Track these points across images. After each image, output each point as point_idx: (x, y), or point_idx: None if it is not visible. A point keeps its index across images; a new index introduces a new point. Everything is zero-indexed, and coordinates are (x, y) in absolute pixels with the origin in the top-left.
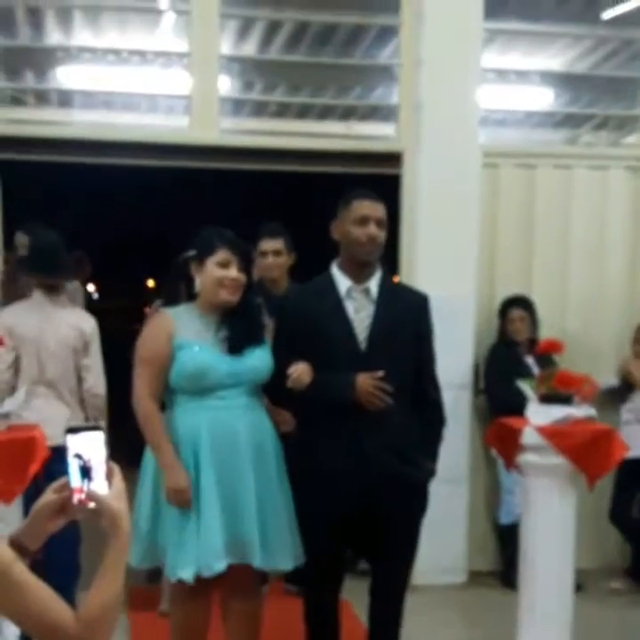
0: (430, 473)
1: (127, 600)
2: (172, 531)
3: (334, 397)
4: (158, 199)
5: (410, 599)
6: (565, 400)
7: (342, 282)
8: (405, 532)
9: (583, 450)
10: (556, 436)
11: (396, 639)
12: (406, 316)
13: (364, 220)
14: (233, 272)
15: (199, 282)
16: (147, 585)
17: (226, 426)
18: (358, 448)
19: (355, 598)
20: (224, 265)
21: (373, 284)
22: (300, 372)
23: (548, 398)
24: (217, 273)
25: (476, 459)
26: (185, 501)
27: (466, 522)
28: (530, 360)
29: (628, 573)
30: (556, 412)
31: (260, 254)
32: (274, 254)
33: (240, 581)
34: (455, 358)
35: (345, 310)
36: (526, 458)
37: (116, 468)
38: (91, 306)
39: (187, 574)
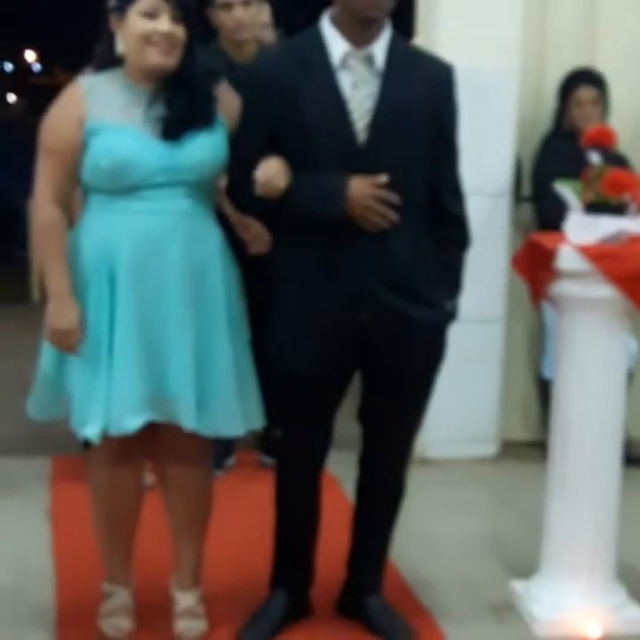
0: (449, 314)
1: (51, 471)
2: (80, 377)
3: (318, 210)
4: None
5: (422, 475)
6: (618, 210)
7: (336, 45)
8: (411, 391)
9: (639, 277)
10: (603, 258)
11: (390, 523)
12: (423, 96)
13: None
14: (163, 24)
15: (121, 40)
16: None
17: (153, 239)
18: (350, 282)
19: (343, 471)
20: (151, 14)
21: (379, 48)
22: (271, 173)
23: (594, 207)
24: (142, 26)
25: (516, 292)
26: (69, 346)
27: (500, 375)
28: (595, 158)
29: None
30: (605, 226)
31: (221, 7)
32: (243, 5)
33: (176, 444)
34: (491, 155)
35: (338, 85)
36: (563, 288)
37: None
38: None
39: (91, 431)
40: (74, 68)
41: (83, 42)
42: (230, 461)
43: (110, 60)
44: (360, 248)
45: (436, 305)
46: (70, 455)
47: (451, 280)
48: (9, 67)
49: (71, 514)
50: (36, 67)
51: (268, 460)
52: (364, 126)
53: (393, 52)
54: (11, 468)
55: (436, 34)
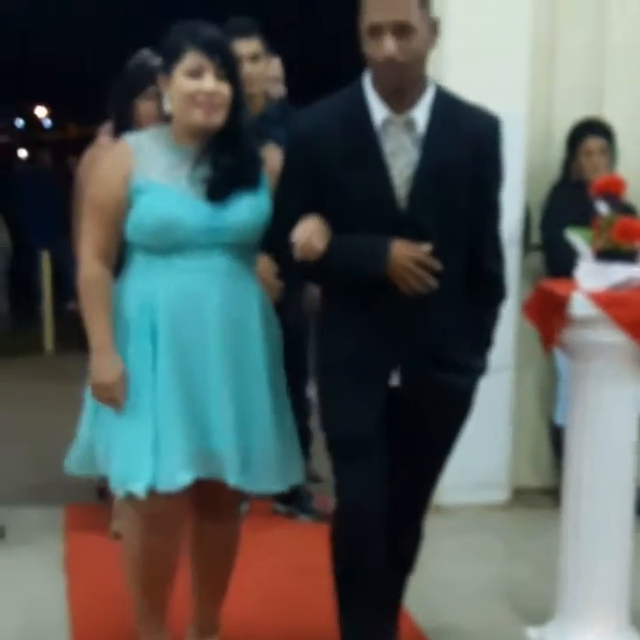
0: (479, 373)
1: (64, 520)
2: (123, 433)
3: (359, 269)
4: None
5: (432, 522)
6: (628, 257)
7: (377, 109)
8: (436, 446)
9: None
10: (614, 304)
11: (407, 572)
12: (466, 156)
13: (375, 31)
14: (208, 82)
15: (168, 99)
16: (98, 502)
17: (191, 295)
18: (385, 348)
19: None
20: (195, 73)
21: (420, 112)
22: (310, 234)
23: (605, 254)
24: (186, 85)
25: (526, 338)
26: (112, 400)
27: (510, 421)
28: (603, 208)
29: None
30: (616, 273)
31: None
32: (251, 60)
33: (214, 501)
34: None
35: (380, 152)
36: (575, 334)
37: None
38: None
39: (138, 487)
40: (87, 123)
41: (94, 97)
42: (243, 508)
43: (128, 116)
44: (397, 314)
45: (467, 368)
46: (84, 503)
47: (484, 339)
48: (20, 122)
49: (85, 562)
50: (47, 122)
51: (281, 508)
52: (405, 194)
53: (435, 113)
54: (24, 516)
55: (443, 80)
